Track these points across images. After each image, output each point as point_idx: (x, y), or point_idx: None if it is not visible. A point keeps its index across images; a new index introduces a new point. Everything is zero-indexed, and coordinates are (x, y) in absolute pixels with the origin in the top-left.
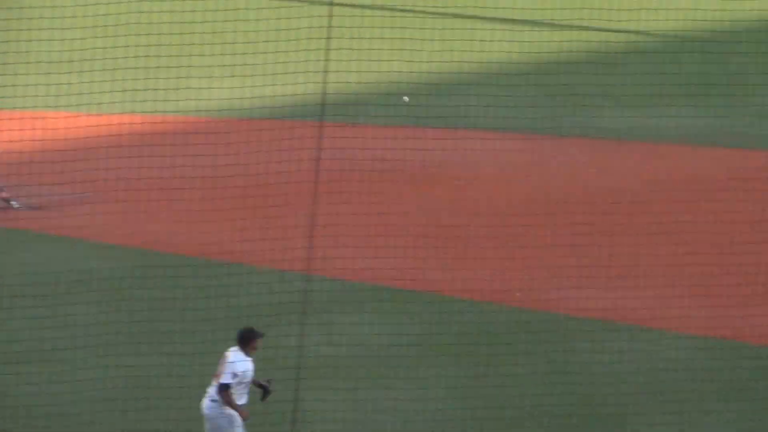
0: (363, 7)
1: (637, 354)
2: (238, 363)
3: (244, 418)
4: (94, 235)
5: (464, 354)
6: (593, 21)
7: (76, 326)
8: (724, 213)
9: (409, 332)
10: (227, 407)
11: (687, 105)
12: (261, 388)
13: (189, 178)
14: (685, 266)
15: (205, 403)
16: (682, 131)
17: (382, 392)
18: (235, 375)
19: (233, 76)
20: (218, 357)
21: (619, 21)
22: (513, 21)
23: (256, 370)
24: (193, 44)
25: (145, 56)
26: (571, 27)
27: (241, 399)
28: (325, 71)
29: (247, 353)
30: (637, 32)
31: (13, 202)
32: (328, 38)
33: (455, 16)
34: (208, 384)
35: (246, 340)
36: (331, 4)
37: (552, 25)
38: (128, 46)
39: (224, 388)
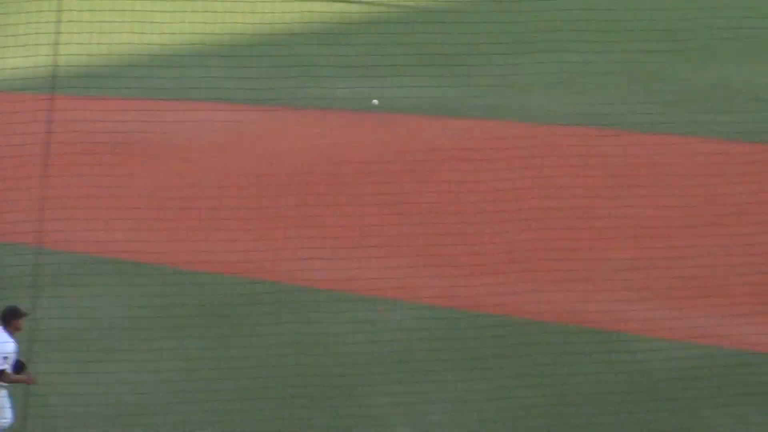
0: None
1: (368, 324)
2: (4, 344)
3: (33, 382)
4: None
5: (201, 326)
6: None
7: None
8: (460, 183)
9: (141, 305)
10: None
11: (422, 76)
12: (19, 363)
13: None
14: (416, 236)
15: None
16: (416, 102)
17: (115, 365)
18: (5, 357)
19: None
20: None
21: None
22: None
23: None
24: None
25: None
26: None
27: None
28: (56, 43)
29: (11, 333)
30: (371, 3)
31: None
32: (59, 10)
33: None
34: None
35: (9, 319)
36: None
37: None
38: None
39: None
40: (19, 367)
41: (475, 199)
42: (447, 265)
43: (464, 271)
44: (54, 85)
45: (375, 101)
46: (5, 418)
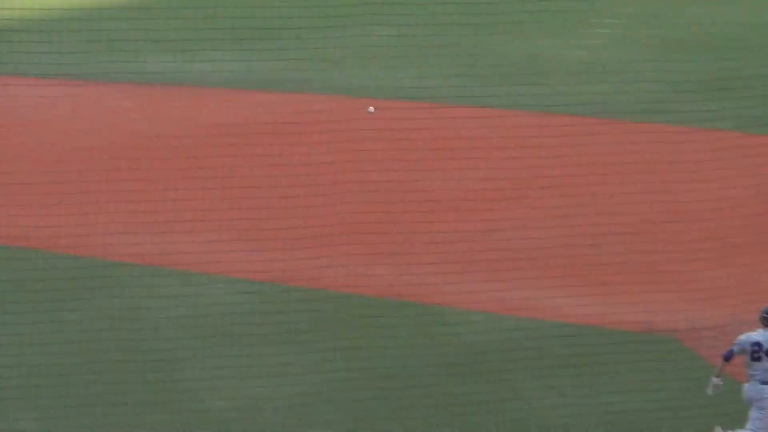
0: None
1: (184, 299)
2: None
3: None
4: None
5: (16, 302)
6: None
7: None
8: (274, 157)
9: None
10: None
11: (233, 50)
12: None
13: None
14: (231, 210)
15: None
16: (229, 76)
17: None
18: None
19: None
20: None
21: None
22: None
23: None
24: None
25: None
26: None
27: None
28: None
29: None
30: None
31: None
32: None
33: None
34: None
35: None
36: None
37: None
38: None
39: None
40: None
41: (289, 173)
42: (262, 239)
43: (280, 245)
44: None
45: (371, 109)
46: None
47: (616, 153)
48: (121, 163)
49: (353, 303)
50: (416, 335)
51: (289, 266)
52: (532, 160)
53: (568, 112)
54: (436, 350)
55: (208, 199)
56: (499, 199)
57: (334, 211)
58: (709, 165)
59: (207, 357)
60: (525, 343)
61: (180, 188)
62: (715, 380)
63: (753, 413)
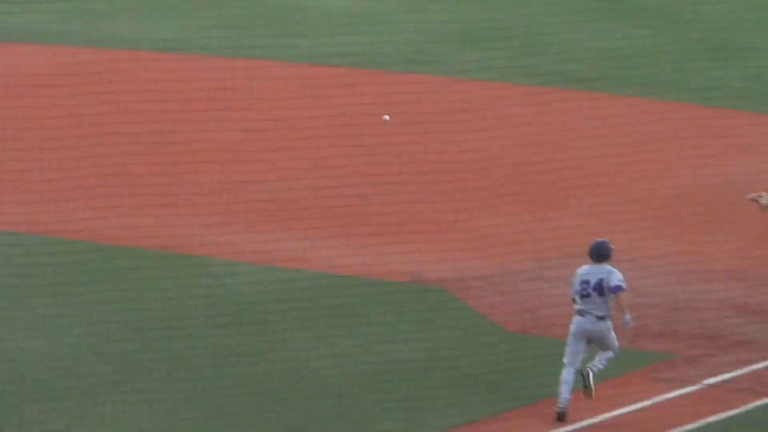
0: None
1: None
2: None
3: None
4: None
5: None
6: None
7: None
8: (43, 109)
9: None
10: None
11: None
12: None
13: None
14: (3, 162)
15: None
16: None
17: None
18: None
19: None
20: None
21: None
22: None
23: None
24: None
25: None
26: None
27: None
28: None
29: None
30: None
31: None
32: None
33: None
34: None
35: None
36: None
37: None
38: None
39: None
40: None
41: (53, 125)
42: (27, 191)
43: (45, 198)
44: None
45: (386, 117)
46: None
47: (380, 103)
48: None
49: (119, 255)
50: (183, 287)
51: (54, 218)
52: (296, 111)
53: (330, 63)
54: (203, 302)
55: None
56: (263, 150)
57: (99, 163)
58: (473, 115)
59: None
60: (293, 295)
61: None
62: (627, 317)
63: (581, 346)
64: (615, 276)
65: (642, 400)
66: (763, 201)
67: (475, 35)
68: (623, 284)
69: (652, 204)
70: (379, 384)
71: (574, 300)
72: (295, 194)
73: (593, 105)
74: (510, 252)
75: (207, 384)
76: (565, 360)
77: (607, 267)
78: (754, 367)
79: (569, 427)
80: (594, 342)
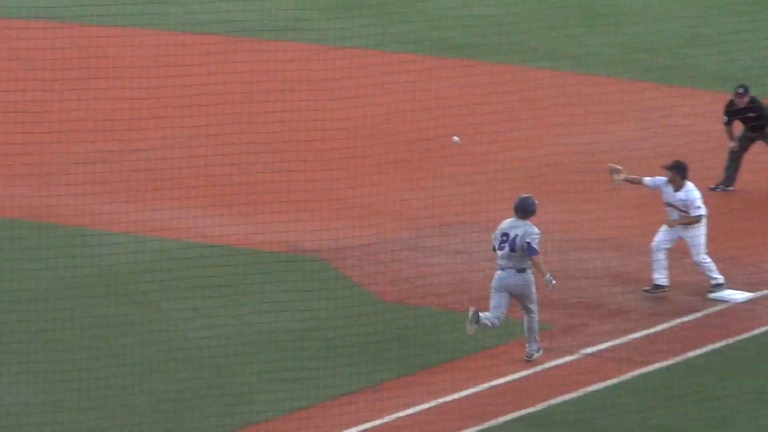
0: None
1: None
2: None
3: None
4: None
5: None
6: None
7: None
8: None
9: None
10: None
11: None
12: None
13: None
14: None
15: None
16: None
17: None
18: None
19: None
20: None
21: None
22: None
23: None
24: None
25: None
26: None
27: None
28: None
29: None
30: None
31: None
32: None
33: None
34: None
35: None
36: None
37: None
38: None
39: None
40: None
41: None
42: None
43: None
44: None
45: (456, 138)
46: None
47: (255, 71)
48: None
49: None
50: (57, 257)
51: None
52: (171, 79)
53: (204, 30)
54: (78, 272)
55: None
56: (138, 118)
57: None
58: (347, 83)
59: None
60: (169, 265)
61: None
62: (547, 276)
63: (503, 300)
64: (529, 235)
65: (520, 370)
66: (615, 178)
67: (348, 3)
68: (535, 245)
69: (526, 173)
70: (257, 355)
71: (495, 252)
72: (170, 163)
73: (467, 72)
74: (387, 221)
75: (83, 355)
76: (489, 314)
77: (527, 223)
78: (632, 336)
79: (442, 399)
80: (515, 297)
